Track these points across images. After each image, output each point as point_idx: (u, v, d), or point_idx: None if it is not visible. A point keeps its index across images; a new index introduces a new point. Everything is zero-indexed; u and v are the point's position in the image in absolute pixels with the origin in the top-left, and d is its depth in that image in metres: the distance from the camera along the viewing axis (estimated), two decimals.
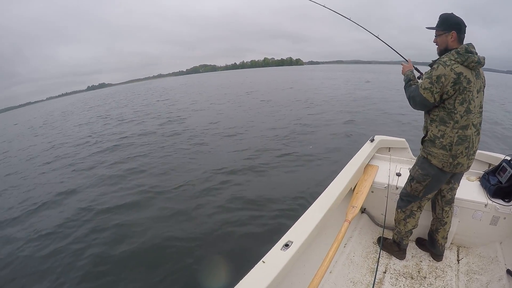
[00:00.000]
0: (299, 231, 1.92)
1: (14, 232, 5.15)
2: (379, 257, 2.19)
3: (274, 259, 1.69)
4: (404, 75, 2.25)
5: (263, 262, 1.68)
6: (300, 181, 5.48)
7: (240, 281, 1.55)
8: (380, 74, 45.43)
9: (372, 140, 3.44)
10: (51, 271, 3.85)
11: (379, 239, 2.73)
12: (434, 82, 1.84)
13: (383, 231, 2.42)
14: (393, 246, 2.52)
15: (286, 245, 1.78)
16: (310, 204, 2.26)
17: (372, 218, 3.01)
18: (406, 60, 2.42)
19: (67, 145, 12.31)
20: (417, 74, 2.28)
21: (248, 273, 1.61)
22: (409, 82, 2.15)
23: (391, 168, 3.04)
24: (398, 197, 2.47)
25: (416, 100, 1.99)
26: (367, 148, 3.27)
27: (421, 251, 2.56)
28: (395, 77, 30.18)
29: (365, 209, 3.05)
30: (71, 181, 7.21)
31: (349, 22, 3.34)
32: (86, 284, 3.50)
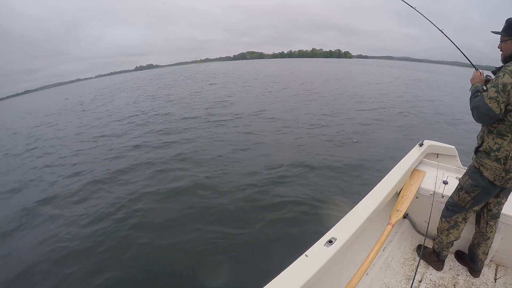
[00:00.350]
0: (343, 229, 1.92)
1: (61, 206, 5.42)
2: (417, 265, 2.16)
3: (317, 254, 1.71)
4: (472, 85, 2.08)
5: (306, 256, 1.70)
6: (345, 179, 5.47)
7: (283, 272, 1.58)
8: (432, 73, 43.17)
9: (421, 145, 3.35)
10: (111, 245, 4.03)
11: (418, 247, 2.69)
12: (500, 91, 1.72)
13: (425, 240, 2.38)
14: (432, 256, 2.45)
15: (330, 242, 1.80)
16: (354, 203, 2.25)
17: (413, 224, 2.96)
18: (475, 67, 2.26)
19: (113, 123, 12.75)
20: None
21: (291, 265, 1.63)
22: (476, 93, 1.98)
23: (438, 175, 2.95)
24: (443, 205, 2.42)
25: (480, 111, 1.83)
26: (415, 152, 3.22)
27: (459, 264, 2.48)
28: (449, 79, 28.96)
29: (407, 214, 2.99)
30: (115, 162, 7.42)
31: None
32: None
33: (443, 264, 2.41)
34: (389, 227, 2.07)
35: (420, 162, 3.25)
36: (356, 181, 5.36)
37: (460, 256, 2.52)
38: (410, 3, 3.08)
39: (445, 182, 2.78)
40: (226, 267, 3.43)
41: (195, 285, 3.29)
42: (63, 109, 23.66)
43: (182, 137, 9.01)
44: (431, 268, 2.43)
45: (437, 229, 2.40)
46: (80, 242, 4.20)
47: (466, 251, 2.46)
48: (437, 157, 3.49)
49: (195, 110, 13.39)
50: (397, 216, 2.27)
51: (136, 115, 13.66)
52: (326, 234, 1.88)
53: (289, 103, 14.04)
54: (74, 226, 4.65)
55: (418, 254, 2.56)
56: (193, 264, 3.55)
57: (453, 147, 3.46)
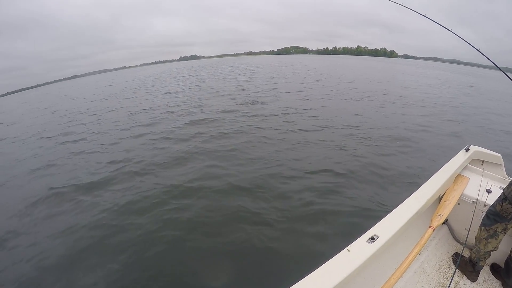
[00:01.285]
0: (386, 227, 1.99)
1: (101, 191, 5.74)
2: (453, 274, 2.11)
3: (359, 250, 1.78)
4: None
5: (348, 250, 1.77)
6: (387, 179, 5.56)
7: (325, 264, 1.69)
8: (481, 79, 40.82)
9: (467, 150, 3.31)
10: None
11: (455, 255, 2.67)
12: None
13: (463, 249, 2.39)
14: (467, 265, 2.44)
15: (372, 239, 1.86)
16: (395, 202, 2.36)
17: (452, 231, 2.94)
18: None
19: (155, 111, 13.41)
20: None
21: (333, 258, 1.73)
22: None
23: (482, 183, 2.89)
24: (484, 214, 2.36)
25: None
26: (460, 157, 3.19)
27: (494, 277, 2.46)
28: (500, 86, 26.85)
29: (447, 220, 2.96)
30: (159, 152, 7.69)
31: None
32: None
33: (477, 275, 2.40)
34: (430, 230, 2.10)
35: (465, 168, 3.21)
36: (398, 181, 5.45)
37: (495, 270, 2.49)
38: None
39: (489, 191, 2.71)
40: (272, 256, 3.63)
41: (243, 271, 3.44)
42: (123, 91, 25.37)
43: (230, 130, 9.15)
44: (465, 278, 2.42)
45: (476, 237, 2.38)
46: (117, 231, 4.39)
47: (502, 265, 2.44)
48: (482, 164, 3.44)
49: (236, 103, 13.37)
50: (439, 220, 2.29)
51: (177, 105, 14.17)
52: (369, 231, 1.95)
53: (335, 101, 14.08)
54: (111, 213, 4.90)
55: (454, 262, 2.57)
56: (245, 253, 3.73)
57: (500, 155, 3.41)
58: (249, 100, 14.31)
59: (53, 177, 6.87)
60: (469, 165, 3.26)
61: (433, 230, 2.13)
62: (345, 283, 1.59)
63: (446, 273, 2.47)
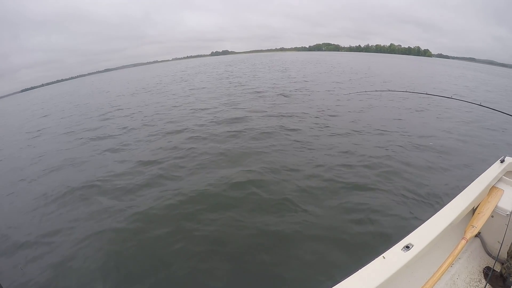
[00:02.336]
0: (420, 237, 1.99)
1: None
2: None
3: (394, 257, 1.79)
4: None
5: (383, 257, 1.79)
6: (422, 185, 5.43)
7: (360, 270, 1.70)
8: None
9: (502, 161, 3.23)
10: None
11: (486, 268, 2.64)
12: None
13: (495, 263, 2.40)
14: (498, 280, 2.41)
15: (407, 247, 1.86)
16: (429, 211, 2.43)
17: (484, 244, 2.89)
18: None
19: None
20: None
21: (369, 264, 1.74)
22: None
23: None
24: None
25: None
26: (495, 169, 3.11)
27: None
28: None
29: (479, 233, 2.90)
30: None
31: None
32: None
33: None
34: (463, 242, 2.09)
35: (500, 180, 3.12)
36: (433, 189, 5.29)
37: None
38: None
39: None
40: (307, 257, 3.68)
41: (278, 272, 3.50)
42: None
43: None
44: None
45: (507, 252, 2.38)
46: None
47: None
48: None
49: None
50: (472, 232, 2.26)
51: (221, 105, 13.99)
52: (404, 239, 1.97)
53: (370, 101, 13.71)
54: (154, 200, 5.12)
55: (485, 276, 2.54)
56: (279, 252, 3.80)
57: None
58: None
59: (83, 172, 6.97)
60: (503, 177, 3.16)
61: (466, 242, 2.12)
62: None
63: (476, 287, 2.45)
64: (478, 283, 2.48)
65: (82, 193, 5.83)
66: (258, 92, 16.57)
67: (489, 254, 2.82)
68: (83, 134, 10.86)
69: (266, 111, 11.53)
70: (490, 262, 2.66)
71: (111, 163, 7.32)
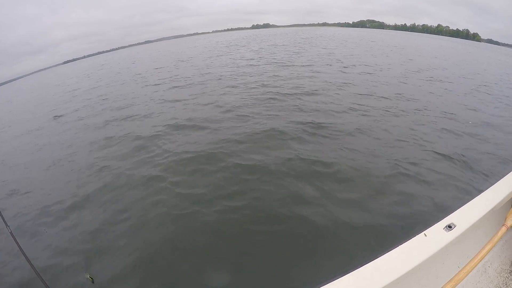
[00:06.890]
0: (462, 217, 1.91)
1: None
2: None
3: (436, 236, 1.75)
4: None
5: (425, 235, 1.76)
6: (465, 167, 5.51)
7: (400, 246, 1.70)
8: None
9: None
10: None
11: None
12: None
13: None
14: None
15: (449, 227, 1.81)
16: (470, 192, 2.34)
17: None
18: None
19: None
20: None
21: (409, 240, 1.72)
22: None
23: None
24: None
25: None
26: None
27: None
28: None
29: None
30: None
31: None
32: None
33: None
34: (504, 229, 1.97)
35: None
36: (477, 169, 5.40)
37: None
38: None
39: None
40: (349, 233, 3.79)
41: (321, 246, 3.67)
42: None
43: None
44: None
45: None
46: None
47: None
48: None
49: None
50: None
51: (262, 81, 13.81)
52: (446, 218, 1.90)
53: (415, 87, 13.10)
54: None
55: None
56: (320, 227, 3.93)
57: None
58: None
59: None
60: None
61: (507, 229, 1.99)
62: (418, 269, 1.57)
63: (506, 279, 2.31)
64: (509, 274, 2.35)
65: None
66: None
67: None
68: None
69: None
70: None
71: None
